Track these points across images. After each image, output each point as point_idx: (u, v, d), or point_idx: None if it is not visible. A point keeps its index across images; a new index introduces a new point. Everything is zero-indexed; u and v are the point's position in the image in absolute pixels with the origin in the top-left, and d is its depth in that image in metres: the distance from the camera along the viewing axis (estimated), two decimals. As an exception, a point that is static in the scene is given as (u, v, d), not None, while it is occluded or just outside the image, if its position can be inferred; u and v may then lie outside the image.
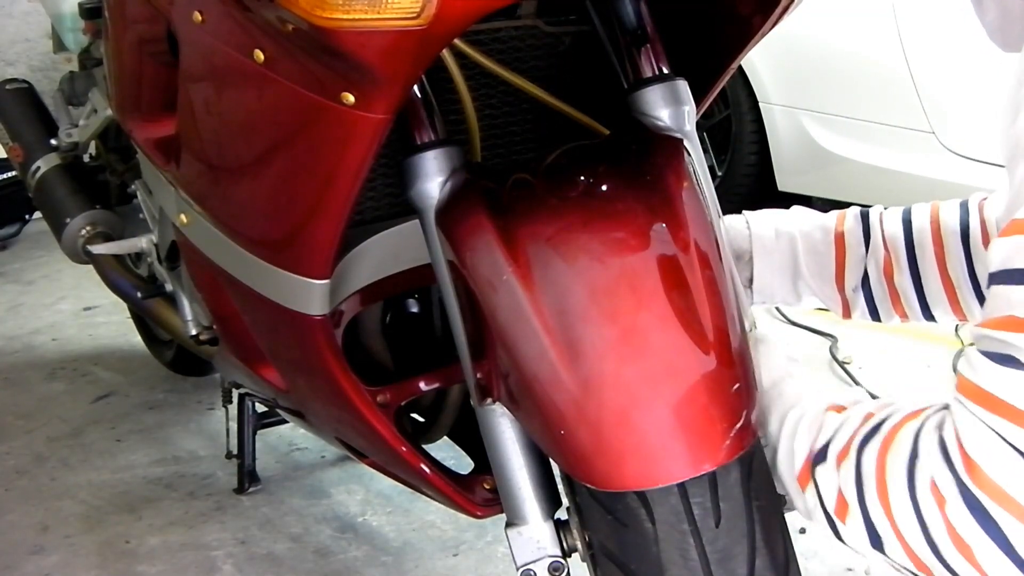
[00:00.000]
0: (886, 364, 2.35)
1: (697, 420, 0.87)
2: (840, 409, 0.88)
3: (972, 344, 0.76)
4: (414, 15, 0.77)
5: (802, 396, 0.92)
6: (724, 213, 1.04)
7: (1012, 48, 0.84)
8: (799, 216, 1.23)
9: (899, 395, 1.14)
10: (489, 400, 0.98)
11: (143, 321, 2.58)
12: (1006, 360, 0.71)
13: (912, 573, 0.80)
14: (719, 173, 3.60)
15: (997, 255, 0.73)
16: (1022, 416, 0.69)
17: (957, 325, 2.60)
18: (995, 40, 0.91)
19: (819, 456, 0.86)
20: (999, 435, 0.70)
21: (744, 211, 1.24)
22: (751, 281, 1.21)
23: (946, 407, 0.78)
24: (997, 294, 0.73)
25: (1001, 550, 0.71)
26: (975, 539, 0.72)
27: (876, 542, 0.81)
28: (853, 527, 0.82)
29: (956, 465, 0.73)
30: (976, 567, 0.72)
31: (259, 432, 2.00)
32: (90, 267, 1.99)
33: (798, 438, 0.89)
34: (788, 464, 0.90)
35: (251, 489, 1.99)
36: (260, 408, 1.94)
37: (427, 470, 1.20)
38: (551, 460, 0.98)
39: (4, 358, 2.89)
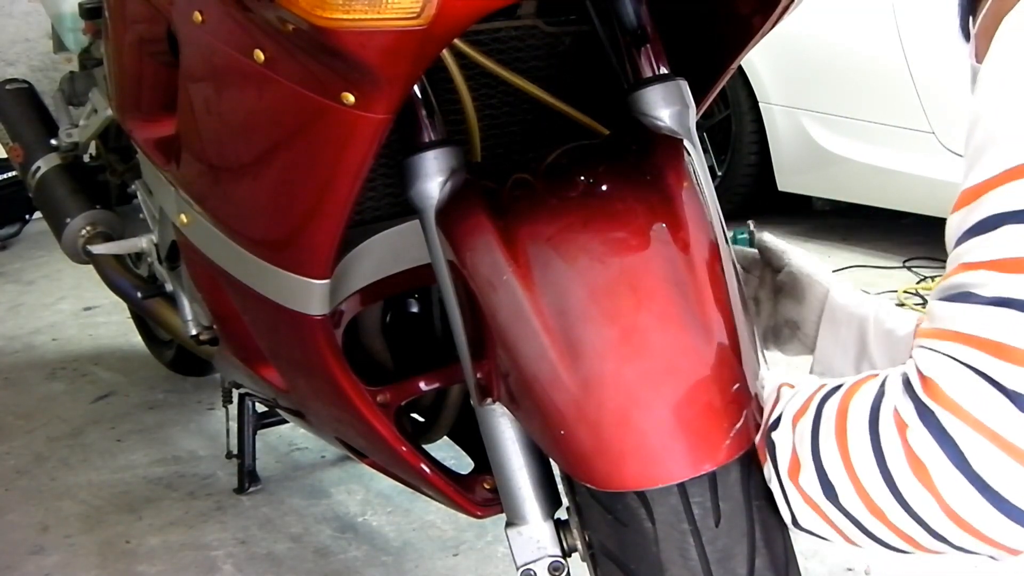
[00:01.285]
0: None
1: (697, 420, 0.88)
2: (792, 385, 0.90)
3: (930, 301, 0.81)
4: (414, 15, 0.77)
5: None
6: (724, 213, 1.04)
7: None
8: (877, 302, 1.17)
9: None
10: (489, 400, 0.98)
11: (143, 321, 2.58)
12: (958, 297, 0.76)
13: (856, 532, 0.82)
14: (719, 173, 3.60)
15: (950, 231, 0.80)
16: (972, 339, 0.74)
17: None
18: None
19: (774, 425, 0.87)
20: (952, 358, 0.74)
21: (828, 276, 1.17)
22: (812, 349, 1.17)
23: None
24: (950, 262, 0.79)
25: (955, 466, 0.73)
26: (932, 458, 0.74)
27: (829, 492, 0.81)
28: (806, 481, 0.83)
29: (916, 389, 0.76)
30: (930, 488, 0.74)
31: (259, 432, 2.01)
32: (90, 267, 1.99)
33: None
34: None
35: (251, 489, 1.99)
36: (260, 408, 1.94)
37: (427, 470, 1.20)
38: (551, 460, 0.98)
39: (4, 358, 2.89)
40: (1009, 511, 0.72)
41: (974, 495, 0.72)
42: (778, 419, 0.87)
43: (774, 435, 0.87)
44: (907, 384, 0.78)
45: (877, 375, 0.82)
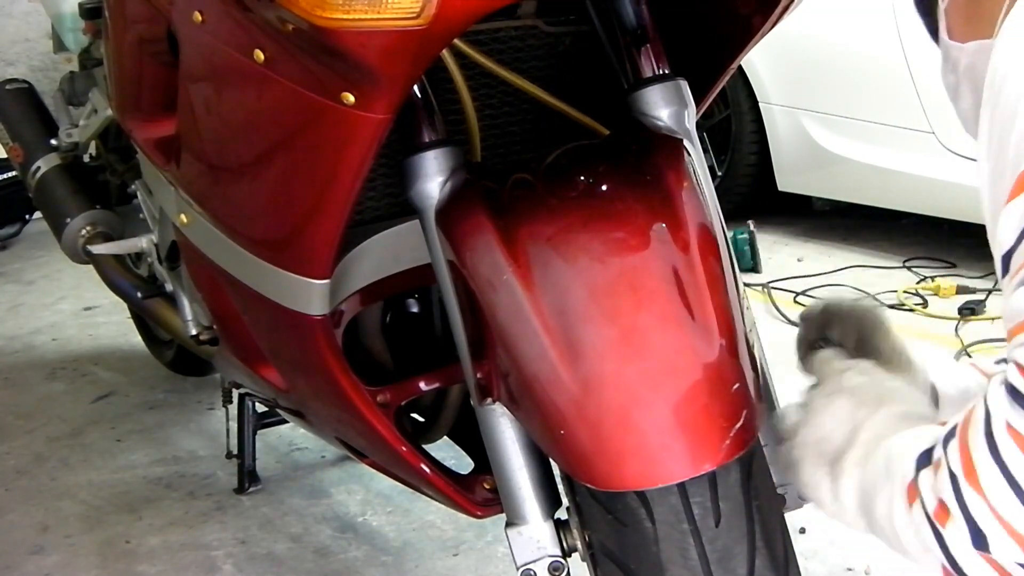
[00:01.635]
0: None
1: (697, 420, 0.87)
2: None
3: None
4: (414, 15, 0.77)
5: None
6: (724, 213, 1.03)
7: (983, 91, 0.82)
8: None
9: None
10: (489, 400, 0.98)
11: (143, 321, 2.58)
12: None
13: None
14: (719, 173, 3.60)
15: (1011, 223, 0.72)
16: None
17: (957, 325, 2.61)
18: (969, 130, 0.90)
19: (922, 460, 0.81)
20: None
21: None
22: None
23: (1003, 362, 0.76)
24: (1018, 258, 0.72)
25: None
26: None
27: (979, 541, 0.76)
28: (954, 532, 0.77)
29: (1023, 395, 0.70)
30: None
31: (259, 432, 2.00)
32: (90, 267, 1.99)
33: (898, 458, 0.84)
34: (882, 481, 0.84)
35: (251, 489, 1.99)
36: (260, 408, 1.94)
37: (427, 470, 1.20)
38: (551, 460, 0.98)
39: (4, 358, 2.89)
40: None
41: None
42: (926, 455, 0.80)
43: (922, 475, 0.80)
44: (1012, 392, 0.72)
45: (975, 405, 0.76)
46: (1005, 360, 0.75)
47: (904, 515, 0.81)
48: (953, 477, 0.76)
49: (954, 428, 0.78)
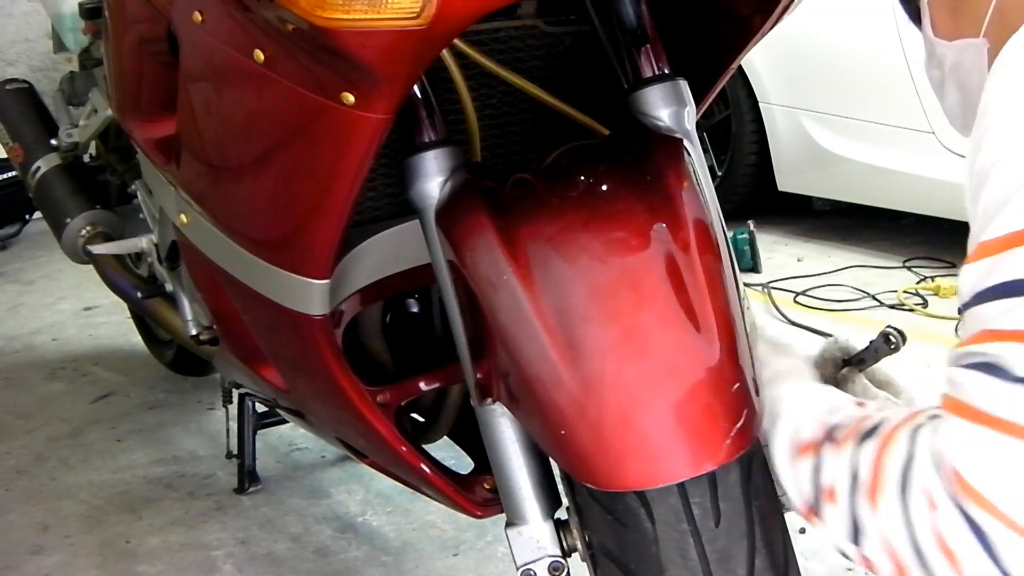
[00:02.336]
0: (886, 364, 2.35)
1: (697, 420, 0.87)
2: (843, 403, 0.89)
3: (952, 365, 0.76)
4: (414, 15, 0.77)
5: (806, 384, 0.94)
6: (724, 213, 1.03)
7: (971, 133, 0.82)
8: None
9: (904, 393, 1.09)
10: (489, 400, 0.98)
11: (143, 321, 2.58)
12: (984, 368, 0.72)
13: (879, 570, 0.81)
14: (719, 173, 3.60)
15: (967, 283, 0.74)
16: (1002, 424, 0.70)
17: (957, 325, 2.61)
18: (955, 125, 0.92)
19: (828, 435, 0.85)
20: (985, 447, 0.71)
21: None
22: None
23: (938, 414, 0.78)
24: (970, 317, 0.74)
25: (988, 558, 0.72)
26: (963, 548, 0.73)
27: (854, 535, 0.81)
28: (835, 516, 0.82)
29: (947, 477, 0.73)
30: (958, 572, 0.74)
31: (259, 432, 2.00)
32: (90, 267, 1.99)
33: (805, 413, 0.89)
34: (791, 435, 0.89)
35: (251, 489, 1.99)
36: (260, 408, 1.94)
37: (427, 470, 1.20)
38: (551, 460, 0.98)
39: (4, 358, 2.89)
40: None
41: None
42: (831, 432, 0.85)
43: (824, 448, 0.84)
44: (936, 462, 0.75)
45: (912, 420, 0.79)
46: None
47: (789, 461, 0.87)
48: (855, 481, 0.80)
49: (875, 432, 0.81)
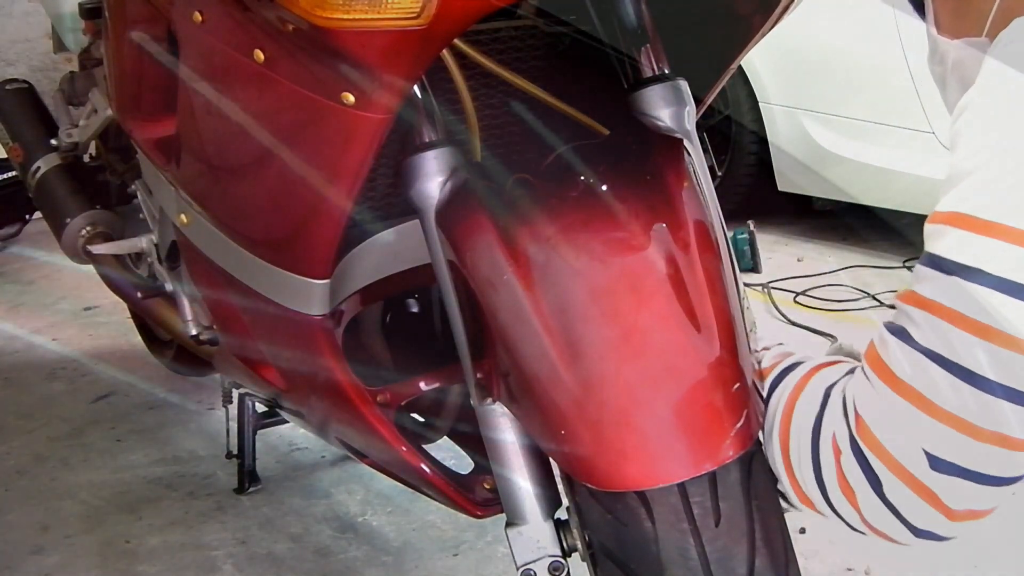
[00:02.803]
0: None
1: (697, 420, 0.87)
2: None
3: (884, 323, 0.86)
4: (414, 15, 0.77)
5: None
6: (724, 213, 1.03)
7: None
8: None
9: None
10: (489, 400, 0.98)
11: (143, 321, 2.58)
12: (898, 332, 0.81)
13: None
14: (719, 173, 3.60)
15: (926, 233, 0.82)
16: (901, 385, 0.80)
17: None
18: None
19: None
20: (886, 404, 0.81)
21: None
22: None
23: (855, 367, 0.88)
24: (915, 273, 0.82)
25: (876, 495, 0.83)
26: (858, 486, 0.84)
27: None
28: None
29: (851, 422, 0.84)
30: (855, 507, 0.85)
31: (259, 432, 2.00)
32: (90, 267, 1.99)
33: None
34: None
35: (251, 489, 1.99)
36: (260, 408, 1.94)
37: (427, 470, 1.20)
38: (551, 460, 0.98)
39: (4, 358, 2.89)
40: (915, 529, 0.84)
41: (889, 517, 0.84)
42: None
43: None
44: (844, 409, 0.85)
45: (821, 367, 0.90)
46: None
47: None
48: (771, 412, 0.93)
49: (791, 367, 0.94)
